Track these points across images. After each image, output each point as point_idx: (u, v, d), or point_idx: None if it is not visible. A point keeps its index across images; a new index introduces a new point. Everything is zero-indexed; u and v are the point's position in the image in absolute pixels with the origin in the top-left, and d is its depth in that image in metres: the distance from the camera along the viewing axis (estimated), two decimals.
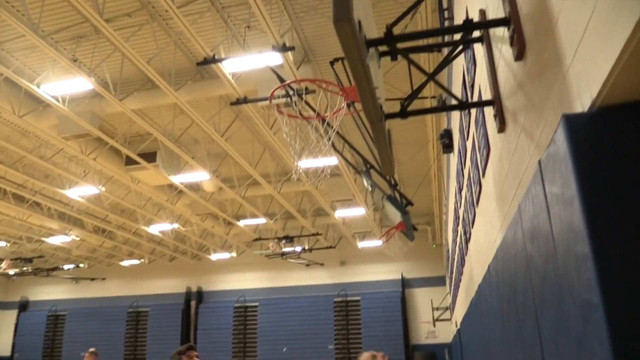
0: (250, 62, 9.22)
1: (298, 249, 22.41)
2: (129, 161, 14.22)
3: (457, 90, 6.35)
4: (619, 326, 1.61)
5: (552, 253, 2.19)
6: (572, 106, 2.01)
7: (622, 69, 1.60)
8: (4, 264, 24.74)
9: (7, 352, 30.69)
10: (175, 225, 20.76)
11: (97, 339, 25.52)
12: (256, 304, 26.93)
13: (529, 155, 2.81)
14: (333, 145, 7.52)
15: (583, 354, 1.85)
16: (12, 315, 31.45)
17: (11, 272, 25.27)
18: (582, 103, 1.91)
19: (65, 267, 26.90)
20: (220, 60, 9.05)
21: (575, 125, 1.84)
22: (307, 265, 24.82)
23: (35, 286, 31.33)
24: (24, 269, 25.37)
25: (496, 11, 3.16)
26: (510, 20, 2.67)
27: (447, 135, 8.18)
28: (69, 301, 30.47)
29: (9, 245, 24.37)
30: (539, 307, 2.60)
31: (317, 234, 21.70)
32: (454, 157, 8.63)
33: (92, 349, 10.57)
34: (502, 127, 3.52)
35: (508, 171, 3.55)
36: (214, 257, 26.45)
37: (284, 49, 8.44)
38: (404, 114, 3.43)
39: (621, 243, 1.68)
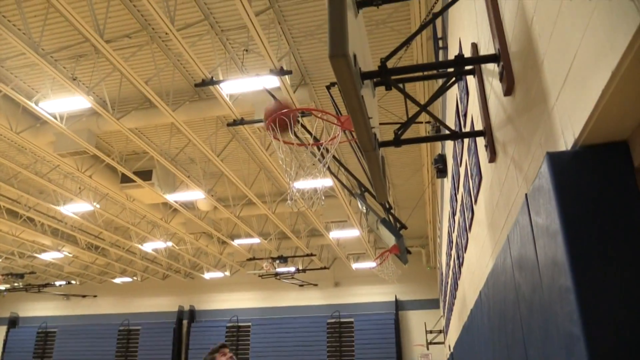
0: (247, 85, 9.34)
1: (292, 269, 22.36)
2: (125, 179, 14.26)
3: (451, 117, 6.47)
4: (601, 359, 1.67)
5: (539, 283, 2.26)
6: (556, 143, 2.10)
7: (602, 111, 1.69)
8: None
9: None
10: (169, 244, 20.70)
11: (87, 356, 25.23)
12: (249, 323, 26.74)
13: (518, 187, 2.89)
14: (329, 168, 7.61)
15: None
16: (1, 331, 31.07)
17: (2, 287, 25.07)
18: (565, 141, 1.99)
19: (57, 283, 26.70)
20: (218, 82, 9.17)
21: (558, 162, 1.92)
22: (301, 285, 24.72)
23: (25, 302, 31.00)
24: (15, 284, 25.17)
25: (487, 46, 3.27)
26: (500, 57, 2.77)
27: (441, 160, 8.28)
28: (60, 318, 30.14)
29: (0, 260, 24.20)
30: (527, 336, 2.65)
31: (311, 254, 21.68)
32: (447, 182, 8.72)
33: None
34: (492, 157, 3.61)
35: (499, 200, 3.63)
36: (207, 275, 26.32)
37: (281, 72, 8.58)
38: (397, 142, 3.51)
39: (602, 277, 1.75)
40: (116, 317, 29.05)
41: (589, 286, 1.74)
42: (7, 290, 25.67)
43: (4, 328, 30.93)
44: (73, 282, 27.05)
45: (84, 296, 29.31)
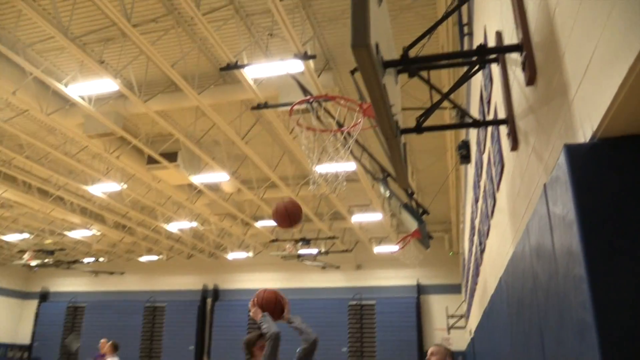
0: (271, 69, 9.39)
1: (314, 251, 22.56)
2: (151, 160, 14.54)
3: (475, 103, 6.44)
4: (611, 346, 1.71)
5: (555, 272, 2.30)
6: (575, 135, 2.12)
7: (620, 104, 1.71)
8: (26, 255, 25.39)
9: (27, 341, 31.42)
10: (194, 224, 21.08)
11: (114, 331, 25.91)
12: None
13: (538, 176, 2.91)
14: (351, 152, 7.65)
15: None
16: (32, 305, 32.18)
17: (33, 263, 25.89)
18: (584, 133, 2.01)
19: (85, 260, 27.47)
20: (242, 66, 9.24)
21: (576, 154, 1.95)
22: (323, 267, 24.95)
23: (55, 278, 32.02)
24: (46, 260, 25.97)
25: (511, 35, 3.27)
26: (523, 47, 2.77)
27: (464, 147, 8.24)
28: (88, 293, 31.08)
29: (32, 237, 24.97)
30: (543, 322, 2.70)
31: (334, 237, 21.82)
32: (471, 168, 8.69)
33: (108, 340, 10.89)
34: (514, 146, 3.62)
35: (520, 189, 3.65)
36: (231, 256, 26.74)
37: (305, 57, 8.60)
38: (419, 129, 3.54)
39: (615, 268, 1.79)
40: (142, 294, 29.80)
41: (602, 276, 1.79)
42: (37, 266, 26.51)
43: (35, 302, 32.06)
44: (101, 259, 27.81)
45: (111, 273, 30.11)
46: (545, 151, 2.70)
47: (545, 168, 2.71)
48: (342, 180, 6.24)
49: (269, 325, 3.68)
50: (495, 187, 5.14)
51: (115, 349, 9.01)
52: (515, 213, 4.01)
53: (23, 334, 31.91)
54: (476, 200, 8.14)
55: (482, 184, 6.74)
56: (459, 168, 13.24)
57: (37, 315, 31.39)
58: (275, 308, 3.82)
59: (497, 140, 4.50)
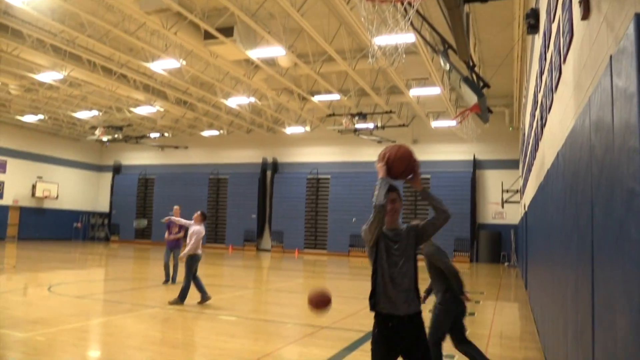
0: None
1: (370, 125, 22.66)
2: (208, 36, 14.54)
3: None
4: None
5: (611, 145, 2.33)
6: None
7: None
8: (97, 131, 26.95)
9: (106, 209, 34.49)
10: (252, 99, 21.43)
11: (182, 200, 27.86)
12: (328, 176, 28.10)
13: (606, 48, 2.81)
14: (411, 23, 7.37)
15: (623, 236, 2.07)
16: (108, 177, 34.82)
17: (104, 138, 27.52)
18: None
19: (152, 135, 28.89)
20: None
21: None
22: (379, 142, 25.17)
23: (126, 152, 34.12)
24: (116, 136, 27.51)
25: None
26: None
27: (533, 15, 7.74)
28: (157, 166, 33.13)
29: (101, 114, 26.30)
30: (595, 194, 2.78)
31: (391, 111, 21.72)
32: (538, 39, 8.24)
33: (180, 207, 11.87)
34: (586, 14, 3.43)
35: (587, 60, 3.52)
36: (289, 130, 27.34)
37: None
38: None
39: None
40: (206, 167, 31.45)
41: None
42: (109, 141, 28.20)
43: (110, 174, 34.62)
44: (166, 134, 29.18)
45: (176, 147, 31.69)
46: (617, 20, 2.58)
47: (615, 38, 2.61)
48: (401, 52, 6.12)
49: (379, 194, 3.26)
50: (562, 58, 4.94)
51: (204, 218, 9.81)
52: (579, 86, 3.91)
53: (102, 203, 34.96)
54: (541, 73, 7.83)
55: (548, 55, 6.45)
56: (525, 39, 12.52)
57: (112, 186, 34.04)
58: (405, 170, 3.34)
59: (568, 8, 4.25)
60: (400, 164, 3.32)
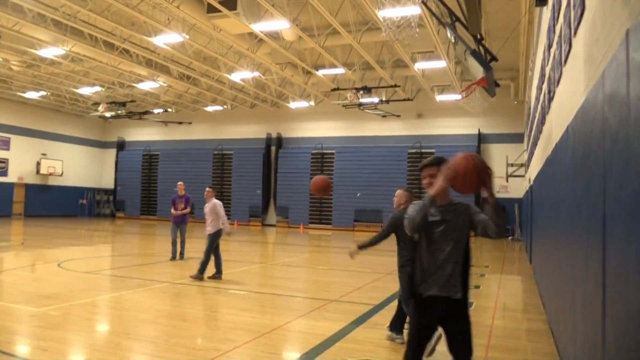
0: None
1: (375, 99, 22.55)
2: (211, 9, 14.40)
3: None
4: None
5: (626, 117, 2.33)
6: None
7: None
8: (101, 107, 26.89)
9: (110, 185, 34.63)
10: (256, 74, 21.29)
11: (187, 176, 28.00)
12: (333, 151, 28.08)
13: (621, 22, 2.78)
14: None
15: (638, 209, 2.09)
16: (111, 153, 34.86)
17: (107, 114, 27.47)
18: None
19: (155, 111, 28.81)
20: None
21: None
22: (384, 116, 25.07)
23: (130, 128, 34.09)
24: (119, 112, 27.45)
25: None
26: None
27: None
28: (161, 142, 33.13)
29: (103, 90, 26.20)
30: (607, 167, 2.79)
31: (395, 85, 21.58)
32: (547, 11, 8.13)
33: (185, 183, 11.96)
34: None
35: (600, 34, 3.49)
36: (293, 105, 27.22)
37: None
38: None
39: None
40: (210, 142, 31.44)
41: None
42: (112, 117, 28.15)
43: (114, 151, 34.65)
44: (169, 109, 29.07)
45: (180, 123, 31.62)
46: None
47: (630, 12, 2.58)
48: (414, 26, 6.05)
49: (416, 211, 3.10)
50: (573, 32, 4.89)
51: (214, 192, 10.23)
52: (591, 59, 3.88)
53: (107, 180, 35.10)
54: (549, 46, 7.75)
55: (557, 28, 6.37)
56: (532, 11, 12.34)
57: (116, 162, 34.12)
58: (475, 182, 3.00)
59: None
60: (469, 180, 2.99)
